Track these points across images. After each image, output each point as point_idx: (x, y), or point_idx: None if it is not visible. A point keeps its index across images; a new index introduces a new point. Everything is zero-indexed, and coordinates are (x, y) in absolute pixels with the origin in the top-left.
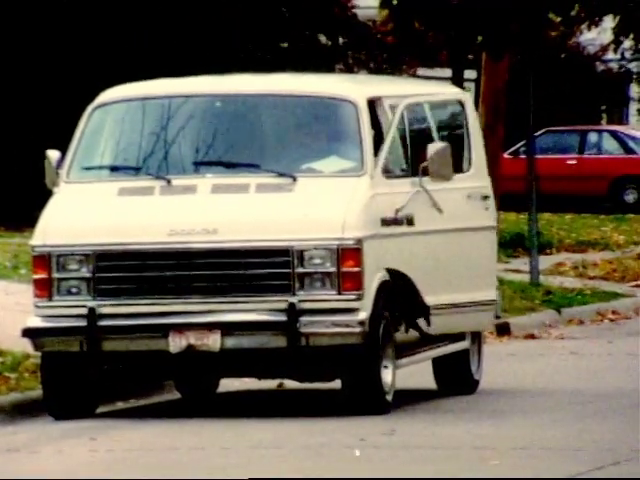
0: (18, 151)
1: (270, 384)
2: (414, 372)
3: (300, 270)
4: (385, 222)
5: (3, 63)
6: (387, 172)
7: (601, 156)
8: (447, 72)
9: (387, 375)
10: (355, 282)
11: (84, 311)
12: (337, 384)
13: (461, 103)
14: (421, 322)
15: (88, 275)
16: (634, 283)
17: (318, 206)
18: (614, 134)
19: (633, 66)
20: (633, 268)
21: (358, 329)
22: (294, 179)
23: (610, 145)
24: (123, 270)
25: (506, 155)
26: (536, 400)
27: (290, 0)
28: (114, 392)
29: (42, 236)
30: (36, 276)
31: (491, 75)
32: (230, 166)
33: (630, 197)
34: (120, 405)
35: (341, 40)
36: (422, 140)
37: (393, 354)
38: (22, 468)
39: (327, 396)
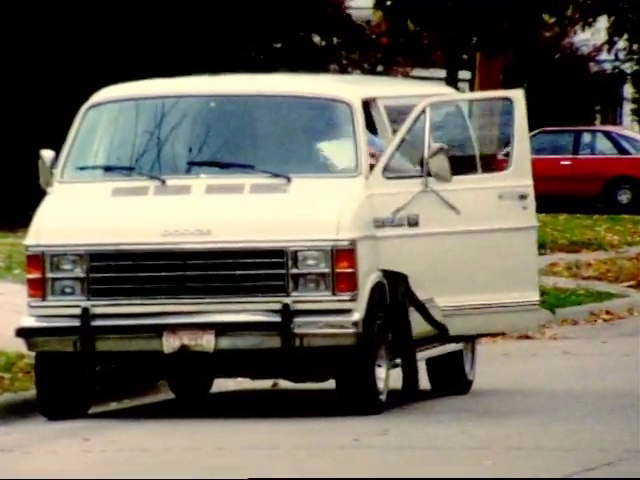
0: (12, 151)
1: (264, 384)
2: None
3: (294, 271)
4: (381, 223)
5: None
6: (390, 172)
7: (595, 156)
8: (441, 73)
9: (381, 375)
10: (349, 283)
11: (78, 311)
12: (331, 384)
13: (510, 101)
14: (418, 318)
15: (82, 275)
16: (628, 283)
17: (312, 207)
18: (608, 135)
19: (627, 67)
20: (627, 268)
21: (352, 330)
22: (288, 180)
23: (604, 146)
24: (117, 270)
25: (500, 156)
26: (529, 400)
27: (284, 0)
28: (108, 392)
29: (36, 236)
30: (30, 276)
31: (485, 76)
32: (224, 166)
33: (624, 197)
34: (114, 405)
35: (335, 40)
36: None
37: (387, 354)
38: (15, 468)
39: (321, 396)
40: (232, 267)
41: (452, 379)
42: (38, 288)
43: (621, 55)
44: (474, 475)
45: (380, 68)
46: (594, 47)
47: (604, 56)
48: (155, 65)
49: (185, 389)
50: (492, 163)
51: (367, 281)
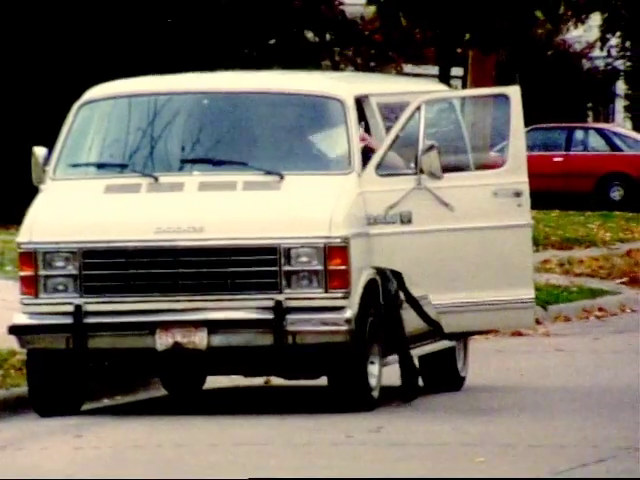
0: (4, 148)
1: (257, 381)
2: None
3: (287, 268)
4: (374, 220)
5: None
6: (384, 169)
7: (588, 153)
8: (434, 69)
9: (374, 372)
10: (342, 280)
11: (70, 308)
12: (324, 381)
13: (506, 97)
14: (411, 315)
15: (74, 272)
16: (620, 280)
17: (305, 204)
18: (600, 131)
19: (619, 64)
20: (619, 265)
21: (345, 327)
22: (281, 177)
23: (596, 142)
24: (109, 267)
25: (493, 153)
26: (522, 397)
27: None
28: (100, 389)
29: (28, 233)
30: (22, 273)
31: (478, 73)
32: (217, 164)
33: (616, 194)
34: (106, 402)
35: (328, 37)
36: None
37: (380, 351)
38: (7, 465)
39: (314, 393)
40: (225, 264)
41: (445, 376)
42: (31, 285)
43: (614, 52)
44: (467, 472)
45: (373, 64)
46: (587, 44)
47: (597, 53)
48: (148, 62)
49: (178, 386)
50: (485, 160)
51: (360, 278)
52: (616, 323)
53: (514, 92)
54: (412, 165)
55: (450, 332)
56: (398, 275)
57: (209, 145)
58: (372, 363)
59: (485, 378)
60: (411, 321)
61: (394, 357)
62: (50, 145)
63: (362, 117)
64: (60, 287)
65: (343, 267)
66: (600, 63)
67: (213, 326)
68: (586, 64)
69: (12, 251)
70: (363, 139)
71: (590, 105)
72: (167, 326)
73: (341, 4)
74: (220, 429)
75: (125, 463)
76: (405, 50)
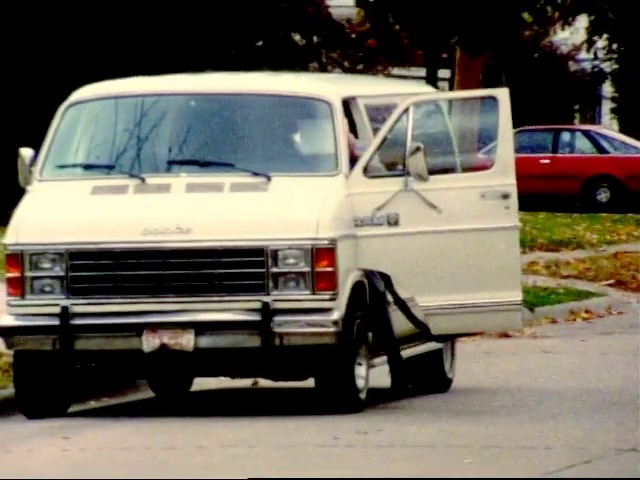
0: None
1: (244, 383)
2: (388, 371)
3: (274, 270)
4: (361, 222)
5: None
6: (371, 171)
7: (574, 155)
8: (421, 71)
9: (361, 374)
10: (329, 282)
11: (57, 310)
12: (311, 383)
13: (495, 100)
14: (399, 317)
15: (61, 274)
16: (607, 282)
17: (292, 206)
18: (587, 134)
19: (606, 66)
20: (606, 267)
21: (332, 329)
22: (268, 178)
23: (583, 144)
24: (96, 269)
25: (480, 154)
26: (509, 399)
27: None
28: (87, 391)
29: (15, 234)
30: (9, 274)
31: (465, 74)
32: (204, 165)
33: (603, 196)
34: (93, 404)
35: (315, 39)
36: (423, 140)
37: (367, 353)
38: None
39: (301, 395)
40: (212, 266)
41: (432, 378)
42: (17, 287)
43: (600, 54)
44: (454, 473)
45: (360, 67)
46: (573, 46)
47: (583, 55)
48: (135, 63)
49: (165, 388)
50: (473, 162)
51: (347, 280)
52: (603, 325)
53: (503, 94)
54: (400, 167)
55: (437, 334)
56: (386, 277)
57: (196, 146)
58: (359, 365)
59: (472, 380)
60: (399, 323)
61: (381, 359)
62: (37, 146)
63: (349, 119)
64: (47, 288)
65: (330, 269)
66: (587, 65)
67: (200, 328)
68: (573, 66)
69: None
70: (349, 144)
71: (577, 107)
72: (154, 327)
73: (328, 7)
74: (207, 431)
75: (112, 465)
76: (393, 52)
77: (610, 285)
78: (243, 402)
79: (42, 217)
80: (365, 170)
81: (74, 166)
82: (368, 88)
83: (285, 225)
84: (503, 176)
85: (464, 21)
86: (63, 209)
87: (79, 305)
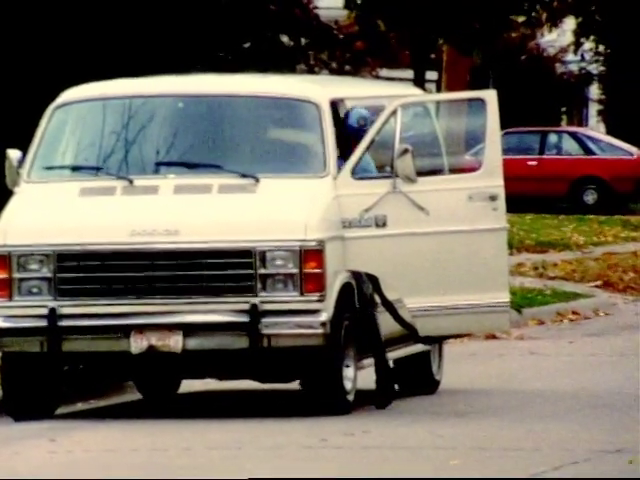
0: None
1: (231, 385)
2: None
3: (262, 271)
4: (349, 223)
5: None
6: (359, 173)
7: (561, 157)
8: (409, 73)
9: (349, 375)
10: (317, 283)
11: (45, 311)
12: (299, 384)
13: (483, 101)
14: (387, 319)
15: (49, 275)
16: (594, 283)
17: (281, 207)
18: (574, 135)
19: (593, 68)
20: (593, 268)
21: (320, 330)
22: (257, 180)
23: (570, 146)
24: (84, 270)
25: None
26: (496, 400)
27: (252, 0)
28: (74, 393)
29: (2, 236)
30: None
31: (452, 76)
32: (192, 167)
33: (590, 198)
34: (80, 406)
35: (303, 41)
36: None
37: (355, 355)
38: None
39: (289, 397)
40: (200, 267)
41: (419, 379)
42: (5, 288)
43: (587, 56)
44: (441, 475)
45: (348, 68)
46: (560, 48)
47: (570, 57)
48: (123, 65)
49: (152, 389)
50: (460, 164)
51: (335, 282)
52: (590, 326)
53: (490, 96)
54: (388, 169)
55: (425, 335)
56: (373, 278)
57: (184, 148)
58: (347, 366)
59: (460, 381)
60: (386, 324)
61: (369, 360)
62: (24, 148)
63: (337, 120)
64: (34, 290)
65: (318, 270)
66: (574, 67)
67: (188, 329)
68: (560, 68)
69: None
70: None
71: (564, 109)
72: (142, 329)
73: (316, 8)
74: (194, 433)
75: (99, 467)
76: (380, 54)
77: (597, 286)
78: (231, 404)
79: (30, 219)
80: (353, 172)
81: (62, 168)
82: (356, 90)
83: (273, 227)
84: (491, 178)
85: (452, 19)
86: (51, 211)
87: (67, 307)
